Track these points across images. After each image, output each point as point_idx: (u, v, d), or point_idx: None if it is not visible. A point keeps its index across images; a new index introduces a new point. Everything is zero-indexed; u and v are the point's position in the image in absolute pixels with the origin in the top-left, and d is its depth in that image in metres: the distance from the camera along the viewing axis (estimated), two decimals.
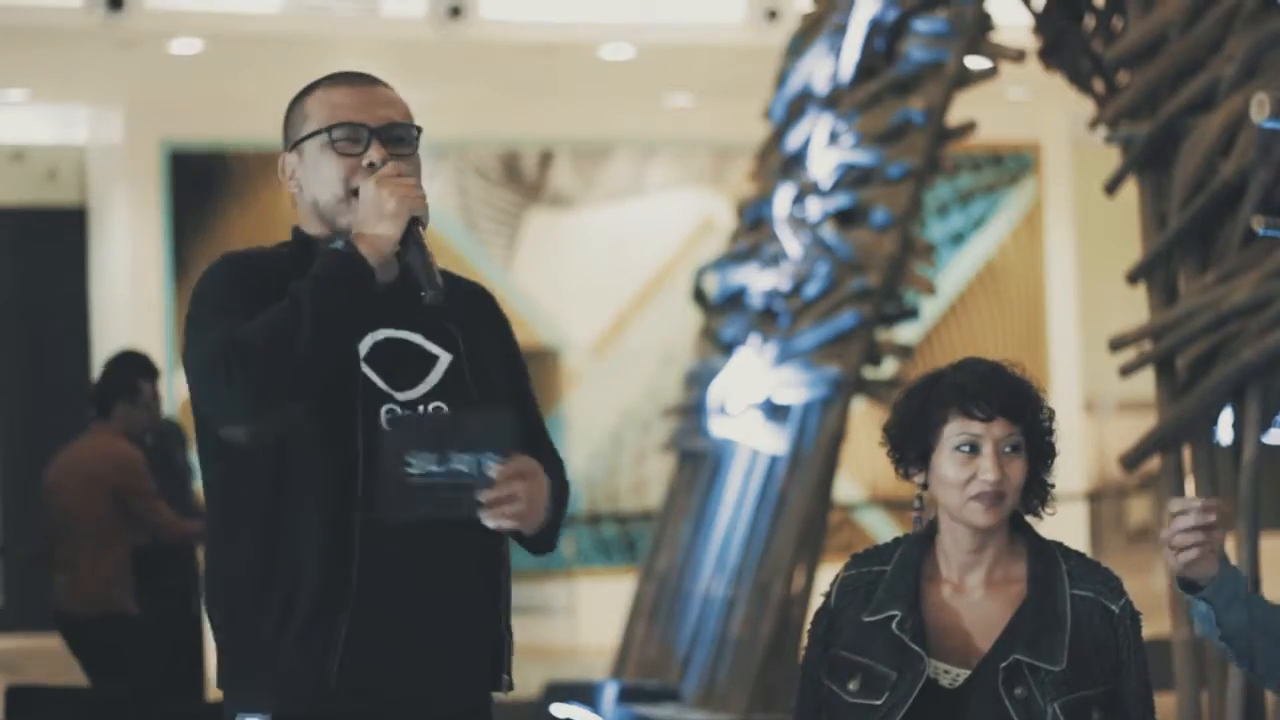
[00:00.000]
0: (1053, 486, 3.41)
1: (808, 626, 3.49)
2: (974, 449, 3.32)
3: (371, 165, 3.26)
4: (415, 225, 3.21)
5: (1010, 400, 3.33)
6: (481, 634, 3.30)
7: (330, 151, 3.27)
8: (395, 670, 3.22)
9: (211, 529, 3.30)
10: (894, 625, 3.32)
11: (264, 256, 3.31)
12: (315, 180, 3.29)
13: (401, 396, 3.24)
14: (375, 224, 3.19)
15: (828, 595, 3.44)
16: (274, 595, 3.19)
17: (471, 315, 3.35)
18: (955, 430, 3.33)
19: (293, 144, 3.33)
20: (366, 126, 3.26)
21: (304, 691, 3.19)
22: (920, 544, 3.42)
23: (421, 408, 3.24)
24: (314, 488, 3.19)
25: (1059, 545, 3.42)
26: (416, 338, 3.28)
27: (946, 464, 3.34)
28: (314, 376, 3.14)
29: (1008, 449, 3.33)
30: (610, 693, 9.04)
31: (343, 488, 3.18)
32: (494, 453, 3.14)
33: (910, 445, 3.39)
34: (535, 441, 3.36)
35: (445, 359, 3.29)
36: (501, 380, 3.36)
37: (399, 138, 3.28)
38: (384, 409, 3.22)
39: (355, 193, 3.25)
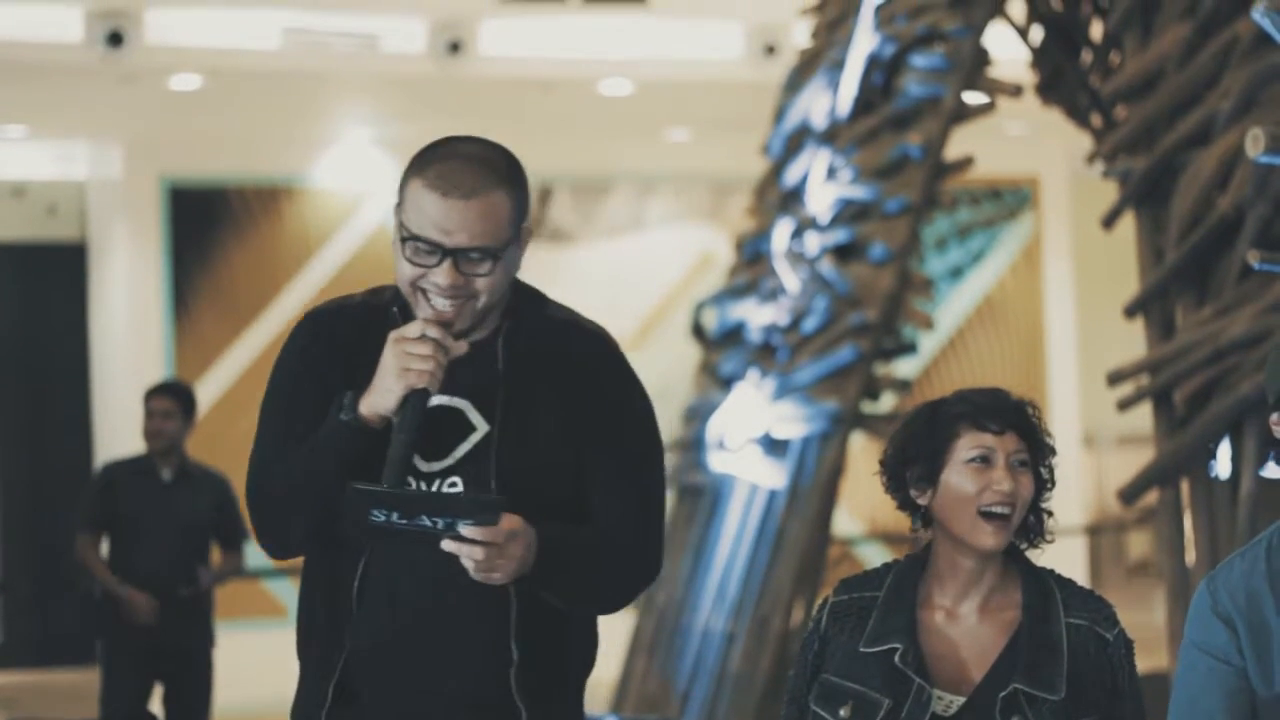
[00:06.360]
0: (1049, 515, 3.41)
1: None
2: (986, 461, 3.33)
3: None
4: (412, 401, 3.12)
5: (1021, 417, 3.36)
6: (487, 671, 3.23)
7: (408, 251, 3.17)
8: (392, 709, 3.21)
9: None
10: (897, 659, 3.31)
11: (349, 310, 3.29)
12: (398, 262, 3.21)
13: (425, 467, 3.18)
14: (379, 391, 3.14)
15: (817, 620, 3.43)
16: (306, 637, 3.32)
17: (554, 380, 3.26)
18: (968, 444, 3.34)
19: (396, 206, 3.27)
20: (443, 247, 3.16)
21: None
22: (912, 570, 3.41)
23: (438, 481, 3.18)
24: (325, 564, 3.26)
25: (1051, 573, 3.43)
26: (464, 404, 3.19)
27: (958, 478, 3.34)
28: (313, 519, 3.19)
29: (1018, 463, 3.34)
30: None
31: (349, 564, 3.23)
32: (473, 521, 3.04)
33: (919, 463, 3.38)
34: (608, 515, 3.25)
35: (481, 432, 3.20)
36: (558, 454, 3.22)
37: (474, 259, 3.16)
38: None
39: (423, 294, 3.19)
